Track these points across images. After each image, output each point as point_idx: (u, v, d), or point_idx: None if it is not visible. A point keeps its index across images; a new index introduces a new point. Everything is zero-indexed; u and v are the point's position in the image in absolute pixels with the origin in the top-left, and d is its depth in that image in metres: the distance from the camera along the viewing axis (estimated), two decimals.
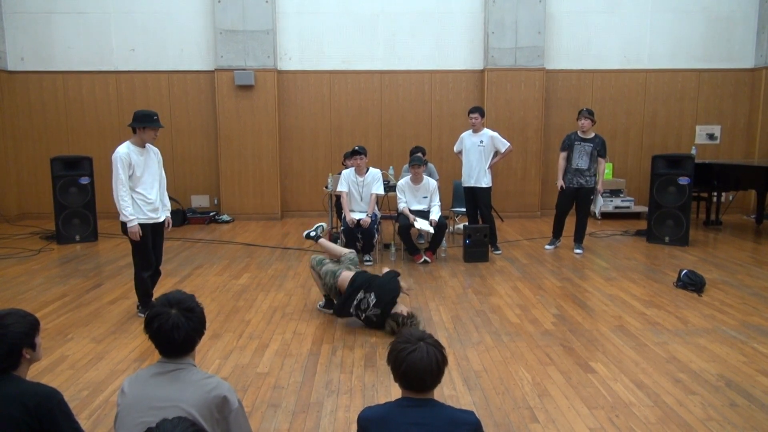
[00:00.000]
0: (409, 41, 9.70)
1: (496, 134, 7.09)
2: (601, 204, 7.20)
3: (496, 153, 7.14)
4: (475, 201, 7.20)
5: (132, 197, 4.63)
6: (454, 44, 9.72)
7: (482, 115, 7.06)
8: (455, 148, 7.47)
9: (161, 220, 4.88)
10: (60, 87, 9.64)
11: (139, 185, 4.66)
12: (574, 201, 7.15)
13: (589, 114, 6.95)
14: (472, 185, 7.14)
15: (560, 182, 7.12)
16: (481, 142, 7.03)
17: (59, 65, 9.58)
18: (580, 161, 6.99)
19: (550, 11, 9.57)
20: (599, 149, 6.99)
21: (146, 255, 4.79)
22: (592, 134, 7.03)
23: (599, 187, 7.08)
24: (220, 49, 9.39)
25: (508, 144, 7.10)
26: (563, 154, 7.12)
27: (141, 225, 4.66)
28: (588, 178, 7.01)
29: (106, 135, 9.71)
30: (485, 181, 7.09)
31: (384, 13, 9.64)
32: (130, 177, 4.59)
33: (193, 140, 9.83)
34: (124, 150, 4.57)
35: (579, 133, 7.03)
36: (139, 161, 4.62)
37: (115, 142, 9.47)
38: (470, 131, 7.16)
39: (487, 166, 7.07)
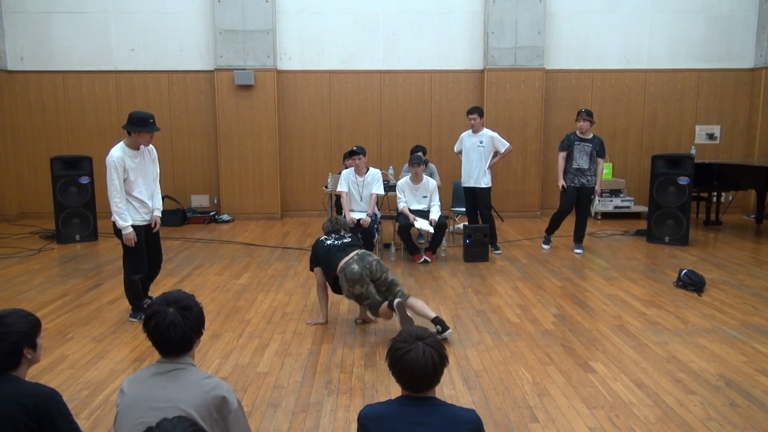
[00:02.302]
0: (409, 41, 9.70)
1: (495, 134, 7.09)
2: (596, 204, 7.20)
3: (496, 153, 7.14)
4: (475, 201, 7.20)
5: (127, 200, 4.56)
6: (453, 44, 9.72)
7: (481, 115, 7.06)
8: (455, 149, 7.47)
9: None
10: (60, 87, 9.64)
11: (135, 189, 4.58)
12: (576, 200, 7.15)
13: (588, 115, 6.97)
14: (472, 185, 7.15)
15: (561, 182, 7.12)
16: (481, 142, 7.04)
17: (59, 65, 9.58)
18: (581, 161, 7.00)
19: (550, 11, 9.57)
20: (598, 149, 7.01)
21: (139, 258, 4.71)
22: (591, 135, 7.05)
23: (597, 188, 7.09)
24: (220, 48, 9.39)
25: (508, 144, 7.10)
26: (562, 154, 7.12)
27: (135, 227, 4.59)
28: (589, 178, 7.03)
29: (105, 135, 9.70)
30: (485, 181, 7.09)
31: (384, 12, 9.64)
32: (124, 181, 4.51)
33: (192, 140, 9.82)
34: (118, 153, 4.46)
35: (578, 133, 7.04)
36: (132, 165, 4.53)
37: (115, 141, 9.34)
38: (470, 131, 7.17)
39: (487, 166, 7.08)
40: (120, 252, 7.17)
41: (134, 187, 4.59)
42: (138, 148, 4.59)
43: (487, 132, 7.10)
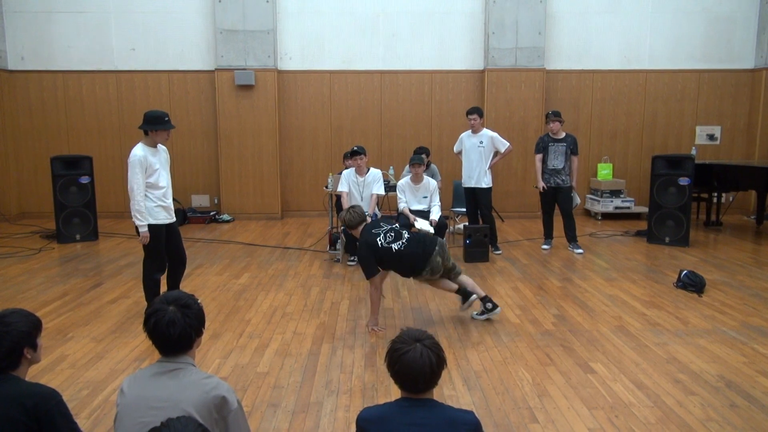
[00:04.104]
0: (410, 41, 9.70)
1: (495, 134, 7.10)
2: (576, 203, 7.21)
3: (496, 153, 7.16)
4: (476, 201, 7.21)
5: (150, 199, 4.56)
6: (454, 44, 9.72)
7: (480, 115, 7.08)
8: (455, 149, 7.49)
9: (175, 219, 4.84)
10: (60, 86, 9.64)
11: (159, 187, 4.59)
12: (555, 200, 7.23)
13: (556, 116, 7.10)
14: (473, 186, 7.16)
15: (541, 183, 7.23)
16: (481, 142, 7.05)
17: (59, 64, 9.58)
18: (556, 161, 7.11)
19: (550, 11, 9.57)
20: (572, 147, 7.10)
21: (159, 257, 4.73)
22: (563, 134, 7.15)
23: (573, 183, 7.12)
24: (221, 48, 9.39)
25: (508, 144, 7.12)
26: (539, 156, 7.25)
27: (155, 226, 4.59)
28: (564, 178, 7.12)
29: (106, 134, 9.71)
30: (485, 182, 7.11)
31: (384, 13, 9.64)
32: (149, 179, 4.52)
33: (193, 140, 9.83)
34: (141, 153, 4.47)
35: (551, 134, 7.15)
36: (154, 162, 4.55)
37: (116, 141, 9.61)
38: (469, 132, 7.18)
39: (487, 166, 7.09)
40: (121, 252, 7.26)
41: (159, 184, 4.60)
42: (156, 147, 4.61)
43: (487, 132, 7.11)
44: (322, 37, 9.66)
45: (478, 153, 7.06)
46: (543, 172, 7.22)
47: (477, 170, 7.08)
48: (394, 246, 4.42)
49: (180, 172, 9.77)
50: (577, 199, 7.21)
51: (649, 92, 9.88)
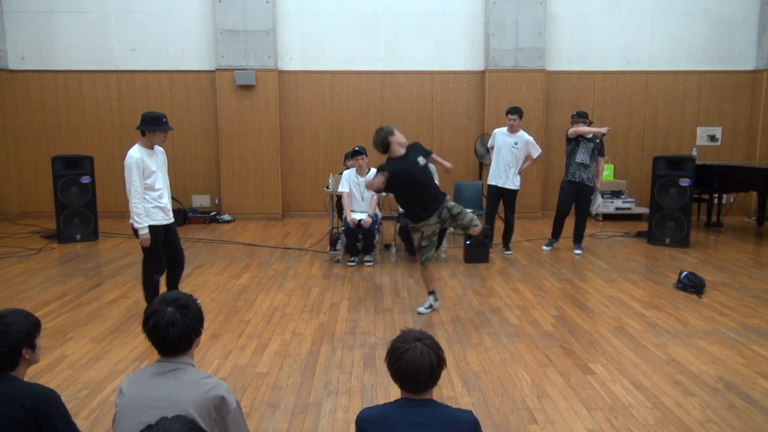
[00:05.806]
0: (410, 42, 9.70)
1: (531, 139, 7.06)
2: (599, 203, 7.22)
3: (527, 158, 7.13)
4: (498, 201, 7.20)
5: (147, 200, 4.55)
6: (454, 45, 9.72)
7: (521, 116, 6.99)
8: (489, 143, 7.43)
9: (173, 220, 4.84)
10: (61, 86, 9.65)
11: (155, 188, 4.58)
12: (575, 199, 7.16)
13: (581, 117, 7.06)
14: (501, 185, 7.09)
15: (599, 129, 6.99)
16: (516, 144, 6.99)
17: (60, 64, 9.59)
18: (584, 156, 7.05)
19: (550, 12, 9.57)
20: (599, 148, 7.06)
21: (158, 257, 4.72)
22: (591, 135, 7.10)
23: (598, 185, 7.11)
24: (221, 48, 9.39)
25: (540, 150, 7.13)
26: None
27: (152, 227, 4.58)
28: (590, 175, 7.06)
29: (106, 134, 9.72)
30: (515, 183, 7.07)
31: (385, 13, 9.65)
32: (146, 181, 4.51)
33: (194, 140, 9.83)
34: (137, 155, 4.46)
35: None
36: (151, 164, 4.54)
37: (116, 141, 9.61)
38: (505, 129, 7.08)
39: (518, 169, 7.06)
40: (121, 252, 7.26)
41: (154, 186, 4.59)
42: (153, 148, 4.60)
43: (524, 134, 7.04)
44: (322, 37, 9.66)
45: (512, 154, 6.99)
46: (570, 165, 7.11)
47: (508, 171, 7.02)
48: (420, 161, 4.78)
49: (181, 173, 9.78)
50: (599, 200, 7.20)
51: (649, 93, 9.88)
